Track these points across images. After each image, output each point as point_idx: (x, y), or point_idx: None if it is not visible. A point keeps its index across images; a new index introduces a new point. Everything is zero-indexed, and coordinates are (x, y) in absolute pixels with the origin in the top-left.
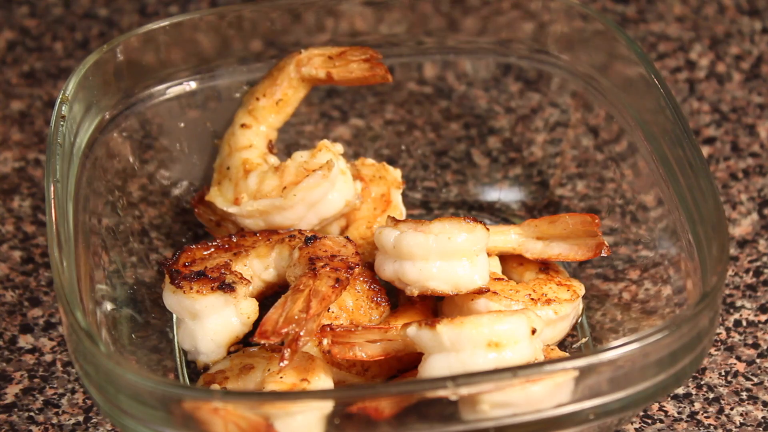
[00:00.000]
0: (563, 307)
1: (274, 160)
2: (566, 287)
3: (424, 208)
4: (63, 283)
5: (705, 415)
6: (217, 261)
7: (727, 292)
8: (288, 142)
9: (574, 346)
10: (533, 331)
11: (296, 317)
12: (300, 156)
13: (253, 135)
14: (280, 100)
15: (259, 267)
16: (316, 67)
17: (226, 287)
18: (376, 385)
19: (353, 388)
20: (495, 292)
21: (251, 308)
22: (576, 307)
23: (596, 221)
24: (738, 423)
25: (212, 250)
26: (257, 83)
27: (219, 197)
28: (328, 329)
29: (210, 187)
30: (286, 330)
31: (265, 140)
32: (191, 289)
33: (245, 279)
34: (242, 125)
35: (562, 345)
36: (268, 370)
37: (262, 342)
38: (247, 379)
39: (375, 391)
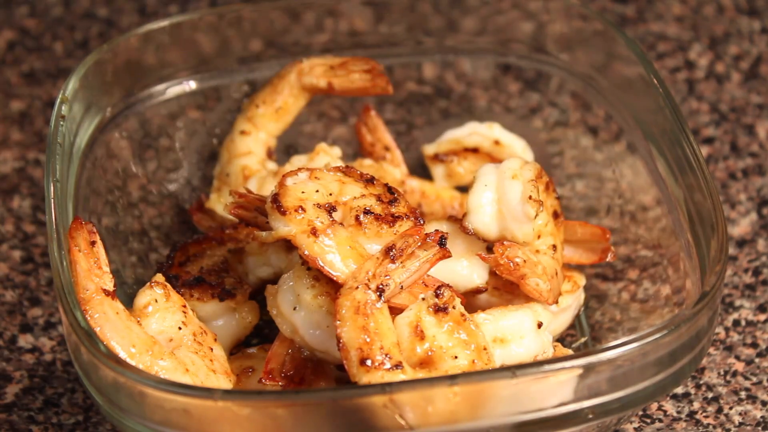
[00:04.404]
0: (564, 299)
1: (272, 166)
2: (567, 278)
3: None
4: (63, 283)
5: (704, 414)
6: (214, 260)
7: (726, 291)
8: (287, 142)
9: (573, 345)
10: (539, 325)
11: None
12: (298, 160)
13: (252, 142)
14: (280, 108)
15: (255, 265)
16: (317, 77)
17: (226, 294)
18: (380, 385)
19: (353, 388)
20: (496, 288)
21: (252, 312)
22: (578, 298)
23: (607, 236)
24: (737, 422)
25: (206, 245)
26: (258, 90)
27: (219, 204)
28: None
29: (208, 195)
30: (292, 373)
31: (264, 147)
32: (192, 296)
33: (244, 283)
34: (241, 132)
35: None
36: None
37: (269, 384)
38: (247, 380)
39: (375, 390)
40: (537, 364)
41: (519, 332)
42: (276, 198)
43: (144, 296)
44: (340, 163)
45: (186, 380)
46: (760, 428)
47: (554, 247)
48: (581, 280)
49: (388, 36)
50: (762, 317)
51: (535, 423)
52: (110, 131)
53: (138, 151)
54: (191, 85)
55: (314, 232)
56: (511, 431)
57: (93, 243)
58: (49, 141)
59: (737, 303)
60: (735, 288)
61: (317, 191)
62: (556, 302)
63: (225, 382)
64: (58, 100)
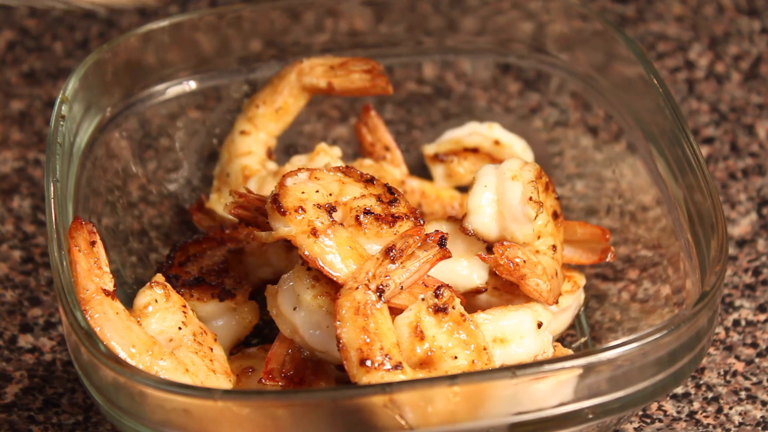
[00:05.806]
0: (564, 299)
1: (272, 166)
2: (567, 278)
3: None
4: (63, 283)
5: (704, 414)
6: (214, 260)
7: (726, 291)
8: (287, 142)
9: (573, 345)
10: (539, 325)
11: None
12: (298, 160)
13: (252, 142)
14: (280, 108)
15: (255, 265)
16: (317, 77)
17: (226, 294)
18: (380, 385)
19: (353, 388)
20: (496, 288)
21: (252, 312)
22: (578, 298)
23: (607, 236)
24: (737, 422)
25: (206, 245)
26: (258, 90)
27: (219, 204)
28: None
29: (208, 195)
30: (292, 373)
31: (264, 147)
32: (192, 296)
33: (244, 283)
34: (241, 132)
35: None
36: None
37: (269, 384)
38: (247, 380)
39: (375, 391)
40: (537, 364)
41: (519, 332)
42: (276, 198)
43: (144, 296)
44: (340, 163)
45: (186, 380)
46: (760, 428)
47: (554, 247)
48: (581, 280)
49: (388, 36)
50: (762, 317)
51: (535, 423)
52: (110, 131)
53: (138, 151)
54: (191, 85)
55: (314, 233)
56: (511, 431)
57: (93, 243)
58: (49, 141)
59: (737, 303)
60: (735, 288)
61: (317, 191)
62: (556, 302)
63: (225, 382)
64: (58, 100)
